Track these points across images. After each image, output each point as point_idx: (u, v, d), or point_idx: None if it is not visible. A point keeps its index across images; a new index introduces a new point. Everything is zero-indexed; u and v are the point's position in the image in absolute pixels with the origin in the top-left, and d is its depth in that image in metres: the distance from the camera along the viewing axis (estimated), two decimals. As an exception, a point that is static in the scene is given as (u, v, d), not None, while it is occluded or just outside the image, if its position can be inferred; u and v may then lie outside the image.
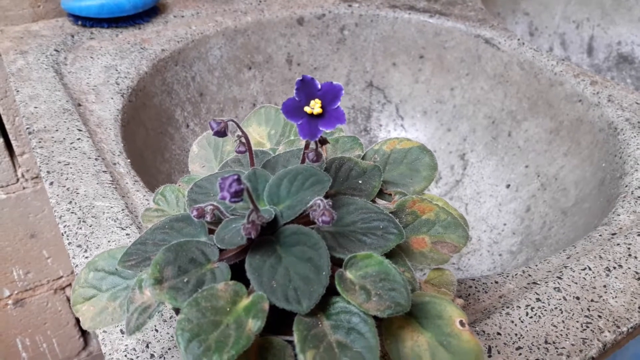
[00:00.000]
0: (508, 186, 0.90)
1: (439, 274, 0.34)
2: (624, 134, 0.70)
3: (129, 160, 0.60)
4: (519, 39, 0.90)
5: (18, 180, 0.98)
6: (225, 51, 0.92)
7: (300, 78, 0.28)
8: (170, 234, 0.31)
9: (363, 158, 0.37)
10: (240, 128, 0.31)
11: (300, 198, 0.30)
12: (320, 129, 0.28)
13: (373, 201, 0.34)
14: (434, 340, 0.29)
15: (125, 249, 0.31)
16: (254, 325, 0.25)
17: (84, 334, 1.22)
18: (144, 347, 0.40)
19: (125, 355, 0.39)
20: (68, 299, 1.14)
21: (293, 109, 0.28)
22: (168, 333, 0.40)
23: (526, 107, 0.89)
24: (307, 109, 0.28)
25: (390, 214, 0.32)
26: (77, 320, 1.19)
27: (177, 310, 0.28)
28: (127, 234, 0.49)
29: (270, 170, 0.34)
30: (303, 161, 0.32)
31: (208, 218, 0.29)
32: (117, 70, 0.75)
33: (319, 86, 0.28)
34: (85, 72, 0.74)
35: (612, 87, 0.78)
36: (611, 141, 0.72)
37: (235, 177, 0.24)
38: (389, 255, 0.31)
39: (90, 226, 0.49)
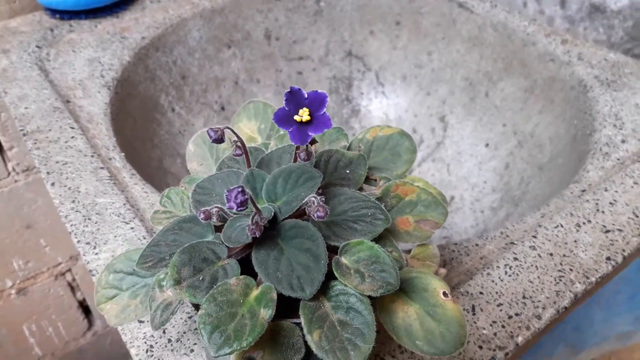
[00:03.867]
0: (487, 145, 0.94)
1: (423, 249, 0.37)
2: (593, 91, 0.73)
3: (122, 153, 0.63)
4: (491, 1, 0.92)
5: (9, 174, 1.00)
6: (204, 32, 0.93)
7: (289, 90, 0.31)
8: (180, 235, 0.34)
9: (349, 147, 0.41)
10: (235, 134, 0.34)
11: (296, 194, 0.33)
12: (310, 134, 0.31)
13: (361, 188, 0.38)
14: (422, 311, 0.33)
15: (140, 250, 0.35)
16: (266, 313, 0.29)
17: (88, 315, 1.26)
18: (161, 333, 0.43)
19: (145, 342, 0.43)
20: (69, 284, 1.18)
21: (284, 118, 0.31)
22: (182, 318, 0.44)
23: (501, 68, 0.92)
24: (296, 117, 0.31)
25: (377, 201, 0.35)
26: (80, 303, 1.23)
27: (195, 306, 0.31)
28: (131, 228, 0.52)
29: (265, 168, 0.37)
30: (295, 160, 0.35)
31: (214, 219, 0.33)
32: (100, 62, 0.76)
33: (306, 95, 0.31)
34: (70, 66, 0.75)
35: (582, 45, 0.82)
36: (581, 98, 0.75)
37: (240, 189, 0.27)
38: (378, 238, 0.34)
39: (95, 223, 0.52)
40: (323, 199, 0.31)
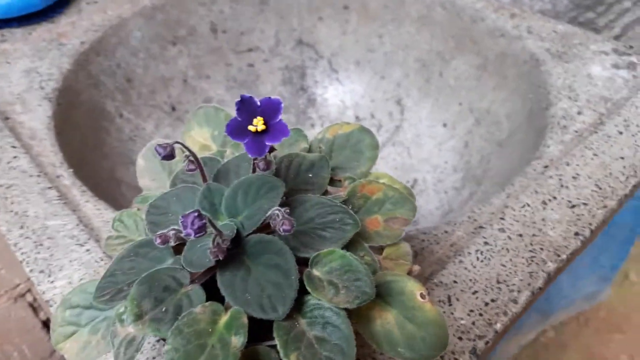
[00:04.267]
0: (445, 125, 0.94)
1: (394, 248, 0.36)
2: (545, 65, 0.74)
3: (71, 169, 0.59)
4: (437, -20, 0.91)
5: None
6: (146, 31, 0.89)
7: (239, 99, 0.28)
8: (137, 261, 0.32)
9: (309, 149, 0.39)
10: (187, 148, 0.32)
11: (258, 207, 0.31)
12: (267, 144, 0.29)
13: (325, 191, 0.36)
14: (400, 316, 0.31)
15: (96, 282, 0.32)
16: (238, 341, 0.27)
17: (55, 333, 1.21)
18: (129, 360, 0.41)
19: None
20: (30, 305, 1.13)
21: (237, 129, 0.29)
22: (149, 342, 0.42)
23: (453, 46, 0.91)
24: (250, 128, 0.29)
25: (344, 204, 0.34)
26: (44, 323, 1.18)
27: (163, 339, 0.29)
28: (87, 250, 0.49)
29: (223, 181, 0.35)
30: (254, 170, 0.33)
31: (172, 243, 0.31)
32: (38, 72, 0.72)
33: (259, 102, 0.29)
34: (5, 80, 0.71)
35: (530, 18, 0.82)
36: (534, 72, 0.75)
37: (196, 213, 0.25)
38: (349, 243, 0.33)
39: (48, 248, 0.49)
40: (287, 210, 0.29)
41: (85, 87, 0.77)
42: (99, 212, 0.53)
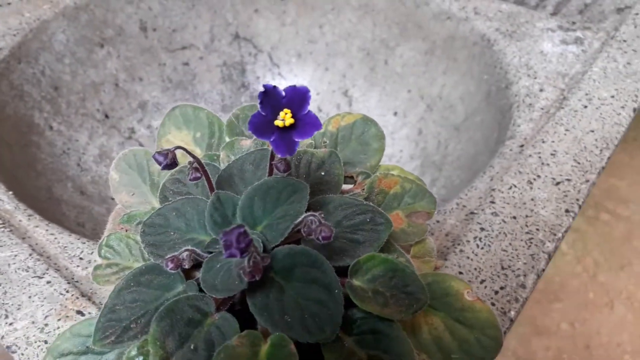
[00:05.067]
0: (395, 114, 0.92)
1: (420, 245, 0.33)
2: (498, 44, 0.73)
3: (10, 192, 0.52)
4: (376, -35, 0.89)
5: None
6: (70, 33, 0.81)
7: (263, 90, 0.24)
8: (140, 292, 0.27)
9: (313, 145, 0.35)
10: (190, 154, 0.27)
11: (282, 214, 0.27)
12: (296, 140, 0.25)
13: (341, 191, 0.32)
14: (449, 319, 0.28)
15: (90, 322, 0.27)
16: (291, 373, 0.23)
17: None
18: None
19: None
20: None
21: (262, 126, 0.24)
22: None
23: (397, 33, 0.90)
24: (277, 123, 0.24)
25: (368, 202, 0.30)
26: None
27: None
28: (47, 282, 0.42)
29: (227, 188, 0.30)
30: (271, 173, 0.29)
31: (187, 265, 0.26)
32: (-50, 85, 0.63)
33: (283, 93, 0.25)
34: None
35: (475, -1, 0.81)
36: (487, 53, 0.75)
37: (241, 230, 0.20)
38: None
39: (0, 285, 0.42)
40: (322, 214, 0.25)
41: (9, 99, 0.69)
42: (53, 238, 0.47)
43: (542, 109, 0.62)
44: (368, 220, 0.29)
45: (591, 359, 1.37)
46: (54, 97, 0.78)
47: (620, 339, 1.39)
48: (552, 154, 0.55)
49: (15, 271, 0.43)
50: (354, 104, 0.97)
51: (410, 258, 0.32)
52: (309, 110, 0.25)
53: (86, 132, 0.82)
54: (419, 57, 0.88)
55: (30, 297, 0.41)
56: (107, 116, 0.87)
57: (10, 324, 0.39)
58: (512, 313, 0.42)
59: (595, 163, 0.54)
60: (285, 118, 0.24)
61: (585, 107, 0.61)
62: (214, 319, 0.25)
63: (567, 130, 0.58)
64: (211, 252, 0.27)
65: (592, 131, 0.57)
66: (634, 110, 0.61)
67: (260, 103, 0.24)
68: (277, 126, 0.25)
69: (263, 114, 0.24)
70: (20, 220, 0.48)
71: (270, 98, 0.24)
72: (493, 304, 0.42)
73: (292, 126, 0.25)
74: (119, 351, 0.27)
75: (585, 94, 0.62)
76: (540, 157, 0.55)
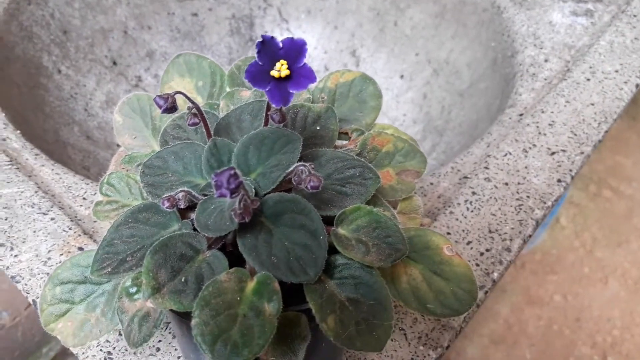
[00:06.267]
0: (402, 77, 0.92)
1: (408, 202, 0.35)
2: (507, 12, 0.73)
3: (18, 131, 0.53)
4: None
5: None
6: (80, -23, 0.80)
7: (260, 40, 0.25)
8: (137, 228, 0.29)
9: (311, 100, 0.36)
10: (190, 99, 0.28)
11: (276, 163, 0.28)
12: (291, 91, 0.26)
13: (335, 145, 0.34)
14: (427, 271, 0.30)
15: (90, 253, 0.28)
16: (273, 308, 0.25)
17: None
18: (118, 335, 0.38)
19: (100, 350, 0.37)
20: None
21: (258, 75, 0.25)
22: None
23: (408, -6, 0.89)
24: (273, 73, 0.25)
25: (360, 158, 0.31)
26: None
27: (179, 313, 0.26)
28: (51, 219, 0.44)
29: (224, 135, 0.32)
30: (266, 123, 0.30)
31: (182, 205, 0.27)
32: (-39, 22, 0.63)
33: (281, 45, 0.26)
34: None
35: (489, -36, 0.80)
36: (496, 20, 0.75)
37: (231, 172, 0.22)
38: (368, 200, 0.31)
39: (6, 219, 0.43)
40: (312, 165, 0.27)
41: (18, 40, 0.69)
42: (58, 177, 0.48)
43: (545, 79, 0.62)
44: (357, 174, 0.30)
45: (580, 331, 1.40)
46: (63, 41, 0.78)
47: (611, 314, 1.41)
48: (550, 124, 0.56)
49: (21, 207, 0.44)
50: (361, 65, 0.97)
51: (396, 213, 0.33)
52: (304, 63, 0.26)
53: (94, 77, 0.83)
54: (428, 20, 0.87)
55: (34, 231, 0.43)
56: (115, 63, 0.88)
57: (15, 255, 0.41)
58: (495, 275, 0.44)
59: (592, 136, 0.55)
60: (281, 69, 0.25)
61: (588, 80, 0.61)
62: (205, 256, 0.27)
63: (567, 101, 0.58)
64: (206, 195, 0.29)
65: (593, 104, 0.58)
66: (637, 85, 0.61)
67: (258, 53, 0.25)
68: (273, 76, 0.26)
69: (260, 63, 0.25)
70: (27, 159, 0.50)
71: (268, 48, 0.25)
72: (477, 265, 0.44)
73: (287, 77, 0.26)
74: (115, 282, 0.28)
75: (589, 67, 0.63)
76: (538, 127, 0.55)
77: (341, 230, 0.28)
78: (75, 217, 0.45)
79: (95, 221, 0.44)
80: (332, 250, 0.28)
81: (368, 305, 0.27)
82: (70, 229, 0.43)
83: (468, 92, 0.79)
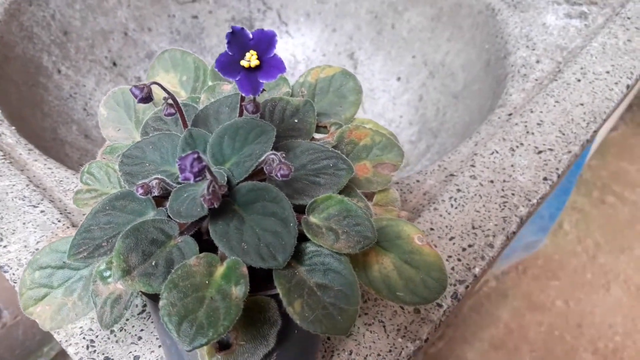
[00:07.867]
0: (399, 79, 0.93)
1: (384, 194, 0.35)
2: (501, 14, 0.74)
3: (13, 127, 0.54)
4: None
5: None
6: (81, -21, 0.82)
7: (230, 30, 0.26)
8: (114, 215, 0.29)
9: (291, 94, 0.37)
10: (165, 90, 0.29)
11: (249, 152, 0.29)
12: (261, 81, 0.26)
13: (312, 138, 0.34)
14: (398, 260, 0.31)
15: (68, 239, 0.29)
16: (240, 291, 0.25)
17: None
18: (101, 324, 0.38)
19: (84, 337, 0.38)
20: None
21: (227, 65, 0.26)
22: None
23: (406, -3, 0.90)
24: (243, 63, 0.26)
25: (335, 150, 0.32)
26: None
27: (150, 296, 0.27)
28: (41, 211, 0.45)
29: (203, 127, 0.32)
30: (241, 114, 0.31)
31: (156, 192, 0.28)
32: (-38, 22, 0.65)
33: (251, 35, 0.27)
34: None
35: (484, -33, 0.81)
36: (490, 22, 0.75)
37: (195, 155, 0.22)
38: (342, 190, 0.31)
39: (-4, 211, 0.44)
40: (283, 154, 0.27)
41: (18, 40, 0.71)
42: (50, 172, 0.49)
43: (536, 80, 0.63)
44: (331, 165, 0.31)
45: (582, 337, 1.39)
46: (63, 42, 0.80)
47: (613, 320, 1.41)
48: (538, 124, 0.56)
49: (12, 199, 0.45)
50: (359, 67, 0.98)
51: (371, 205, 0.34)
52: (275, 54, 0.27)
53: (93, 78, 0.84)
54: (425, 23, 0.88)
55: (24, 223, 0.44)
56: (114, 64, 0.89)
57: (5, 246, 0.42)
58: (477, 270, 0.44)
59: (580, 135, 0.55)
60: (250, 59, 0.26)
61: (579, 80, 0.61)
62: (177, 242, 0.28)
63: (556, 102, 0.58)
64: (181, 184, 0.29)
65: (582, 104, 0.58)
66: (628, 87, 0.61)
67: (228, 43, 0.26)
68: (243, 66, 0.26)
69: (230, 53, 0.26)
70: (20, 154, 0.51)
71: (238, 39, 0.26)
72: (459, 260, 0.44)
73: (257, 67, 0.27)
74: (92, 267, 0.29)
75: (580, 68, 0.63)
76: (526, 126, 0.56)
77: (312, 219, 0.29)
78: (65, 210, 0.46)
79: (84, 214, 0.45)
80: (304, 238, 0.29)
81: (336, 291, 0.27)
82: (59, 221, 0.44)
83: (462, 94, 0.79)
